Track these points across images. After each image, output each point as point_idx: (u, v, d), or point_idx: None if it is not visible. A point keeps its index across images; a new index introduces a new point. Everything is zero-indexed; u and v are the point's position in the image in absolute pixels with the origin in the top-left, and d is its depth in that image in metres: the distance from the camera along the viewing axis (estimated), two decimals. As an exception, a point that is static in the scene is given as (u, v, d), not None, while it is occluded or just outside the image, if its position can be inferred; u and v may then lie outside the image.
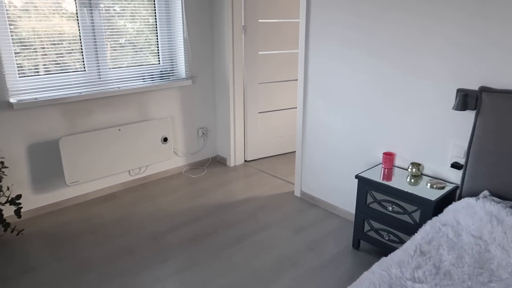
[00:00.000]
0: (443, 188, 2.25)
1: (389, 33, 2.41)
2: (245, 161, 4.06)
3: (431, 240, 1.73)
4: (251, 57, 3.70)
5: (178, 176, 3.72)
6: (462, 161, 2.25)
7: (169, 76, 3.51)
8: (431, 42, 2.24)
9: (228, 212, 3.06)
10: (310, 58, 2.92)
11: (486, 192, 2.04)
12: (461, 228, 1.81)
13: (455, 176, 2.31)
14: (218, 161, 4.08)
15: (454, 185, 2.28)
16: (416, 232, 1.83)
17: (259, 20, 3.64)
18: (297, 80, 4.04)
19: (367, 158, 2.72)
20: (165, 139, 3.50)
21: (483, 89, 2.02)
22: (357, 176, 2.43)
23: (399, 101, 2.46)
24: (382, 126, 2.59)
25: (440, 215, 1.97)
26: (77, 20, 2.95)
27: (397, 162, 2.57)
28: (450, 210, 1.97)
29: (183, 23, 3.41)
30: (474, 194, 2.10)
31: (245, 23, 3.59)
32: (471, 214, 1.87)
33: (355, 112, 2.72)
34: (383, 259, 1.65)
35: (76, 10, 2.92)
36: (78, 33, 2.98)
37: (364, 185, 2.41)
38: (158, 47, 3.41)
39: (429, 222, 1.91)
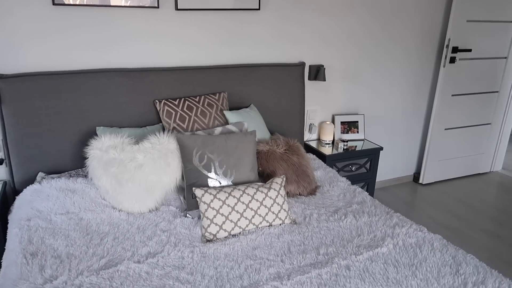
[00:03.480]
0: (-7, 190, 2.05)
1: None
2: None
3: (30, 240, 1.63)
4: None
5: None
6: (1, 155, 2.11)
7: None
8: None
9: None
10: None
11: (41, 174, 2.09)
12: (46, 214, 1.79)
13: (0, 173, 2.15)
14: None
15: (2, 181, 2.13)
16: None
17: None
18: None
19: None
20: None
21: (-4, 77, 1.94)
22: None
23: None
24: None
25: (14, 215, 1.84)
26: None
27: None
28: (21, 206, 1.87)
29: None
30: (31, 181, 2.09)
31: None
32: (45, 198, 1.88)
33: None
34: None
35: None
36: None
37: None
38: None
39: (13, 225, 1.75)
